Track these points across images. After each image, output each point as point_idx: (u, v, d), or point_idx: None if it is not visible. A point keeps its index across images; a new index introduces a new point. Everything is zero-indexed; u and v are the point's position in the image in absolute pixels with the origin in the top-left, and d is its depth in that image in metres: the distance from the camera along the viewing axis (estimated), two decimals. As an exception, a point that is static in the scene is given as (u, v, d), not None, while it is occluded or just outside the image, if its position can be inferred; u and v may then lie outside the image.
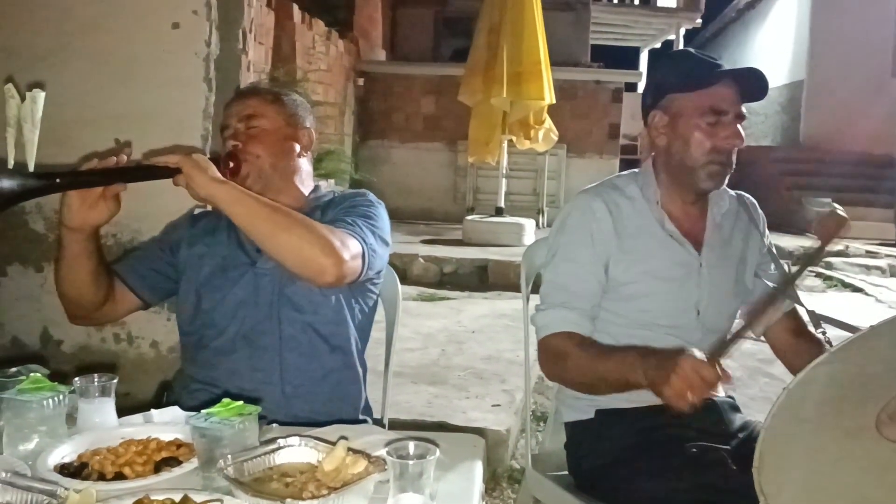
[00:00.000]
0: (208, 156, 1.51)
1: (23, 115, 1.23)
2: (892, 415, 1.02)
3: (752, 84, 1.56)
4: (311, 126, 1.74)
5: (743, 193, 1.77)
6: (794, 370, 1.66)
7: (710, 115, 1.54)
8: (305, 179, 1.72)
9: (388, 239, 1.61)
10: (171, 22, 2.56)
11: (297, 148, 1.69)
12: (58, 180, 1.28)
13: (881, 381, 1.04)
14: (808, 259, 1.49)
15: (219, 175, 1.41)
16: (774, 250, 1.76)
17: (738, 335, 1.33)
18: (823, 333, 1.65)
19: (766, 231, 1.76)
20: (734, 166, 1.59)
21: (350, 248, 1.44)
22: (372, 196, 1.68)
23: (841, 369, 1.01)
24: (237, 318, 1.57)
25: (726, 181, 1.62)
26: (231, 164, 1.57)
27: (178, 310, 1.68)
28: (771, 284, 1.68)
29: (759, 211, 1.77)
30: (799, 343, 1.67)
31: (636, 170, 1.72)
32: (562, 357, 1.54)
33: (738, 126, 1.56)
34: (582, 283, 1.58)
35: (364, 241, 1.50)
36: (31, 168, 1.24)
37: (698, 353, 1.27)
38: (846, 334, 1.04)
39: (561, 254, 1.62)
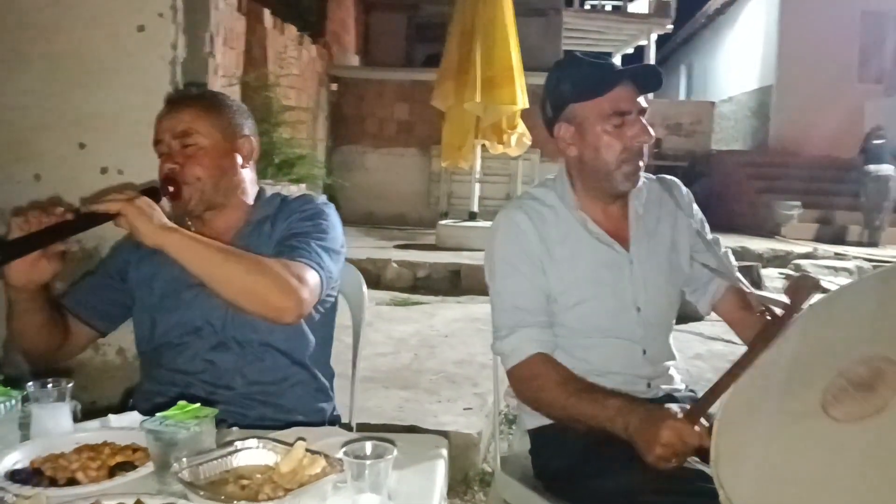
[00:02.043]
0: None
1: None
2: (836, 395, 1.02)
3: (647, 77, 1.57)
4: (251, 132, 1.64)
5: (664, 176, 1.76)
6: (747, 341, 1.68)
7: (614, 118, 1.54)
8: (249, 188, 1.64)
9: (341, 248, 1.57)
10: (135, 25, 2.53)
11: (239, 160, 1.60)
12: (21, 246, 1.24)
13: (822, 361, 1.05)
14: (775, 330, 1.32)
15: (165, 220, 1.33)
16: (707, 228, 1.74)
17: (715, 394, 1.27)
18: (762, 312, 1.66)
19: (696, 209, 1.74)
20: (646, 160, 1.59)
21: (308, 282, 1.40)
22: (320, 201, 1.63)
23: (782, 351, 1.02)
24: (194, 338, 1.54)
25: (642, 177, 1.62)
26: (171, 189, 1.48)
27: (134, 329, 1.63)
28: (708, 267, 1.68)
29: (684, 190, 1.75)
30: (748, 315, 1.67)
31: (551, 176, 1.71)
32: (535, 387, 1.52)
33: (643, 121, 1.56)
34: (529, 298, 1.57)
35: (320, 266, 1.45)
36: None
37: (679, 415, 1.26)
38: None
39: (499, 274, 1.60)
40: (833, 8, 11.56)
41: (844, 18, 11.65)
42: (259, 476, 0.99)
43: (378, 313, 4.85)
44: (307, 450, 1.01)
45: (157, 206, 1.35)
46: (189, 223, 1.59)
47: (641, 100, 1.57)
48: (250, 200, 1.63)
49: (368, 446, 0.95)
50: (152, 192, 1.42)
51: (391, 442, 0.98)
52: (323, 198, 1.67)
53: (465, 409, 3.05)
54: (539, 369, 1.52)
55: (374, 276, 5.92)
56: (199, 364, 1.53)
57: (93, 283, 1.63)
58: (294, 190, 5.64)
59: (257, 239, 1.57)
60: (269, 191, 1.69)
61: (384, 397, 3.13)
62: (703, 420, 1.27)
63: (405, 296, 5.67)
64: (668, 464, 1.26)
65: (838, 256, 7.87)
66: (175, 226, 1.35)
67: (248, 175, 1.63)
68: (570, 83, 1.58)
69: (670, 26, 14.92)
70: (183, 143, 1.52)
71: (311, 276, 1.42)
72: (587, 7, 15.26)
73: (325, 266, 1.47)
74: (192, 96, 1.62)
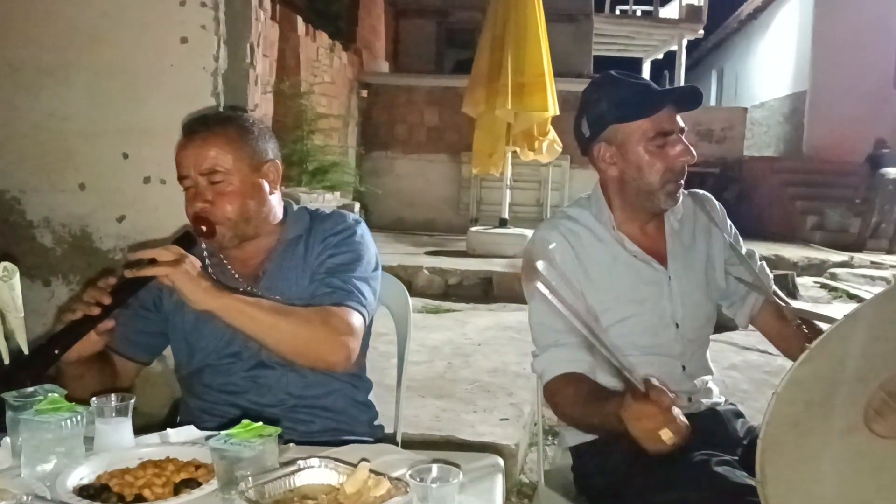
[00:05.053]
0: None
1: (3, 304, 1.23)
2: (879, 409, 1.00)
3: (687, 96, 1.57)
4: (275, 155, 1.59)
5: (696, 191, 1.75)
6: (786, 353, 1.68)
7: (658, 139, 1.53)
8: (277, 210, 1.60)
9: (375, 270, 1.57)
10: (178, 37, 2.56)
11: (266, 187, 1.55)
12: (56, 352, 1.25)
13: (863, 374, 1.03)
14: None
15: (212, 284, 1.34)
16: (741, 242, 1.73)
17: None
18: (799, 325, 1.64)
19: (729, 223, 1.74)
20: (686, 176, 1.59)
21: (355, 330, 1.43)
22: (351, 219, 1.61)
23: (823, 365, 1.00)
24: (234, 360, 1.54)
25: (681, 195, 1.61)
26: (204, 228, 1.46)
27: (173, 354, 1.63)
28: (743, 281, 1.67)
29: (717, 204, 1.75)
30: (786, 326, 1.66)
31: (584, 196, 1.71)
32: (557, 404, 1.54)
33: (684, 140, 1.56)
34: (562, 319, 1.56)
35: (363, 305, 1.47)
36: (26, 350, 1.25)
37: (629, 398, 1.22)
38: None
39: (535, 296, 1.59)
40: (868, 12, 11.38)
41: (880, 23, 11.45)
42: (324, 496, 0.99)
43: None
44: (370, 470, 1.02)
45: (203, 271, 1.34)
46: (222, 257, 1.59)
47: (680, 119, 1.56)
48: (276, 221, 1.61)
49: (434, 469, 0.95)
50: (186, 237, 1.42)
51: (455, 464, 0.98)
52: (354, 214, 1.65)
53: (501, 419, 3.04)
54: (560, 386, 1.52)
55: (406, 283, 5.90)
56: (243, 382, 1.54)
57: (130, 319, 1.58)
58: (316, 196, 5.66)
59: (290, 260, 1.57)
60: (296, 205, 1.67)
61: (420, 406, 3.14)
62: (654, 391, 1.19)
63: (437, 303, 5.68)
64: (661, 443, 1.18)
65: (875, 265, 7.75)
66: (223, 289, 1.35)
67: (275, 199, 1.59)
68: (611, 104, 1.57)
69: (701, 31, 14.82)
70: (211, 181, 1.49)
71: (357, 320, 1.45)
72: (617, 12, 15.20)
73: (367, 302, 1.50)
74: (213, 127, 1.52)
